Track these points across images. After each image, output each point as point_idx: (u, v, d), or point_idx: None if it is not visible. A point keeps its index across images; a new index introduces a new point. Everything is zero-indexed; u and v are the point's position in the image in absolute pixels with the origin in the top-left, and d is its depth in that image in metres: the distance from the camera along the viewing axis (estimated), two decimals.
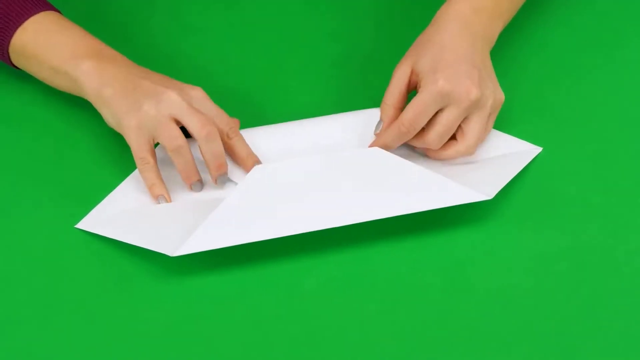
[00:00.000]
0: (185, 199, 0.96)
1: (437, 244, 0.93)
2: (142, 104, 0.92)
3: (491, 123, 0.98)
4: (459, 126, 0.95)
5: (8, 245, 0.93)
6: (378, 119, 0.99)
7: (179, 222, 0.92)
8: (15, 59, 1.00)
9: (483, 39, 0.98)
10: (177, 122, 0.93)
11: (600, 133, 1.02)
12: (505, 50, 1.10)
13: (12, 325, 0.88)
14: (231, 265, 0.91)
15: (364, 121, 1.00)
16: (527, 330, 0.87)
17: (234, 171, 0.97)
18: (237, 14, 1.14)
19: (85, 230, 0.94)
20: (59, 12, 1.01)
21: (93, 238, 0.93)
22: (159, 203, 0.94)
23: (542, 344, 0.86)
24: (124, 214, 0.94)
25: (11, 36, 0.98)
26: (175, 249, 0.88)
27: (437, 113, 0.94)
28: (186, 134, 0.96)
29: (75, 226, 0.94)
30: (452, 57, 0.94)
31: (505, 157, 0.99)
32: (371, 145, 0.97)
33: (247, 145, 0.96)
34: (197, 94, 0.95)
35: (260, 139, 0.99)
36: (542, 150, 1.00)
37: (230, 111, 1.01)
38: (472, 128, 0.95)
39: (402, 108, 0.97)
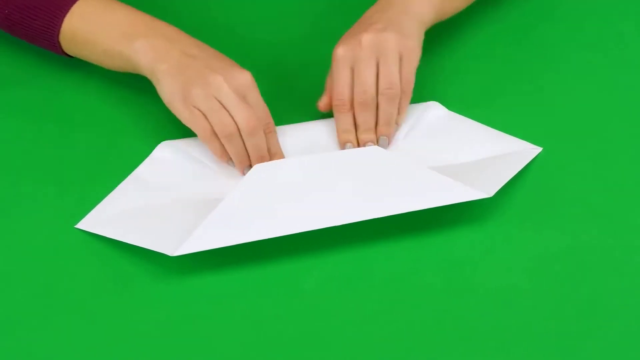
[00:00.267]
0: (185, 199, 0.96)
1: (437, 243, 0.93)
2: (192, 87, 0.92)
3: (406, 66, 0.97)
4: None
5: (8, 245, 0.93)
6: None
7: (179, 222, 0.92)
8: (66, 46, 1.00)
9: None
10: None
11: (600, 133, 1.02)
12: (505, 50, 1.10)
13: (12, 325, 0.88)
14: (231, 265, 0.91)
15: None
16: (527, 330, 0.87)
17: (234, 171, 0.97)
18: (237, 14, 1.14)
19: (85, 230, 0.94)
20: None
21: (93, 238, 0.93)
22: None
23: (542, 344, 0.86)
24: (124, 214, 0.94)
25: (60, 25, 0.98)
26: (175, 249, 0.88)
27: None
28: None
29: (75, 226, 0.94)
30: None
31: (505, 157, 0.99)
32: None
33: (278, 142, 0.97)
34: (245, 80, 0.94)
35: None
36: (542, 150, 1.00)
37: None
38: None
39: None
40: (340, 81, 0.96)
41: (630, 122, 1.03)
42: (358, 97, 0.96)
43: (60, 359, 0.86)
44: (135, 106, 1.04)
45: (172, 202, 0.95)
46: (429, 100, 1.04)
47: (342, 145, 0.98)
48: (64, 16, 0.98)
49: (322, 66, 1.05)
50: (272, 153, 0.97)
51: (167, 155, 0.99)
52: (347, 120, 0.98)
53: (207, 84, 0.93)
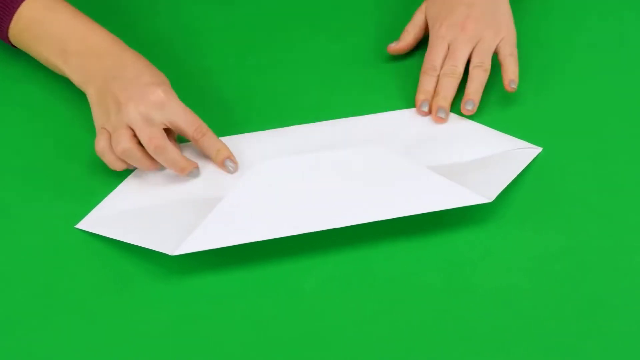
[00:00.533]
0: (185, 199, 0.96)
1: (437, 244, 0.93)
2: (110, 114, 0.95)
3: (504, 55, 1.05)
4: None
5: (8, 245, 0.93)
6: (378, 125, 1.01)
7: (179, 221, 0.92)
8: (15, 43, 1.03)
9: None
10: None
11: (600, 133, 1.02)
12: None
13: (12, 325, 0.88)
14: (231, 265, 0.91)
15: (364, 127, 1.01)
16: (527, 330, 0.87)
17: (241, 170, 0.97)
18: (237, 14, 1.14)
19: (85, 230, 0.94)
20: None
21: (93, 238, 0.93)
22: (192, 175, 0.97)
23: (542, 344, 0.86)
24: (124, 214, 0.94)
25: (9, 23, 1.01)
26: (174, 248, 0.88)
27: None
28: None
29: (75, 226, 0.94)
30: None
31: (505, 157, 0.99)
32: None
33: (216, 141, 0.97)
34: (156, 99, 0.95)
35: (264, 142, 0.99)
36: (542, 150, 1.00)
37: (230, 111, 1.02)
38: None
39: (419, 39, 1.09)
40: (436, 51, 1.05)
41: (630, 122, 1.03)
42: (447, 67, 1.04)
43: (60, 359, 0.86)
44: None
45: (172, 202, 0.95)
46: None
47: (418, 103, 1.03)
48: (12, 15, 1.00)
49: (322, 66, 1.06)
50: (212, 154, 0.97)
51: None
52: (430, 83, 1.04)
53: (119, 111, 0.94)
